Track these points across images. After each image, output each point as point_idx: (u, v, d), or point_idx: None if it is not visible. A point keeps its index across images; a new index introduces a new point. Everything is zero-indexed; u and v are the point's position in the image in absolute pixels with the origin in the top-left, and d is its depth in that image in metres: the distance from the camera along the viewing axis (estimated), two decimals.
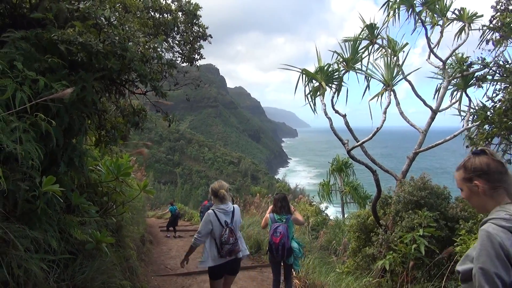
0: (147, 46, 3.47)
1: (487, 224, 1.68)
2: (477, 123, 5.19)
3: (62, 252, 2.92)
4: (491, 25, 6.01)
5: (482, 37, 6.45)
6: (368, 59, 7.51)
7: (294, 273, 6.73)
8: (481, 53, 5.97)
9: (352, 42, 7.12)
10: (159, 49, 3.71)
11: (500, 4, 5.77)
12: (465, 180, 1.86)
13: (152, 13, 4.78)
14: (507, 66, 5.37)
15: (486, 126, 4.88)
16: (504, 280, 1.54)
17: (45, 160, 2.68)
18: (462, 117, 7.20)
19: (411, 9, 7.08)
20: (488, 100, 4.97)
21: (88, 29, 2.93)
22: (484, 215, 1.81)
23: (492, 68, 5.75)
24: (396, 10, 7.14)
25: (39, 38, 2.79)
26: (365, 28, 7.37)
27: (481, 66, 6.04)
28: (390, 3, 7.24)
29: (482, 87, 6.43)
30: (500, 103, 4.71)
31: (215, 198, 4.27)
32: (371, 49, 7.55)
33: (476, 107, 6.15)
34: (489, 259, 1.58)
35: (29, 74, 2.50)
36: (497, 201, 1.76)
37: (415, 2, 7.03)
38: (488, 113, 4.91)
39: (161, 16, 4.84)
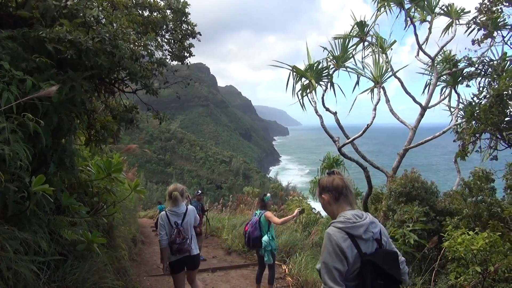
0: (137, 44, 3.45)
1: (329, 227, 2.19)
2: (465, 119, 5.27)
3: (53, 253, 2.90)
4: (479, 21, 6.09)
5: (466, 32, 6.54)
6: (362, 55, 7.56)
7: (286, 270, 6.78)
8: (469, 51, 6.05)
9: (342, 40, 7.16)
10: (149, 46, 3.69)
11: (484, 5, 5.86)
12: (318, 195, 2.43)
13: (141, 11, 4.75)
14: (492, 63, 5.46)
15: (473, 122, 4.94)
16: (340, 270, 2.02)
17: (34, 160, 2.65)
18: (451, 113, 7.31)
19: (400, 6, 7.13)
20: (474, 97, 5.04)
21: (76, 27, 2.89)
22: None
23: (479, 67, 5.84)
24: (386, 7, 7.19)
25: (26, 37, 2.75)
26: (355, 26, 7.41)
27: (467, 64, 6.13)
28: (380, 0, 7.29)
29: (470, 86, 6.54)
30: (485, 99, 4.78)
31: (168, 200, 4.70)
32: (361, 47, 7.60)
33: (465, 102, 6.24)
34: (328, 255, 2.06)
35: (16, 74, 2.46)
36: (340, 209, 2.27)
37: None
38: (475, 109, 4.97)
39: (150, 14, 4.81)
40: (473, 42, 6.13)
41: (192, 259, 4.67)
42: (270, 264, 5.61)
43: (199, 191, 9.46)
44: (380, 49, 7.28)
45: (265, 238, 5.48)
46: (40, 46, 2.74)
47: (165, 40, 5.04)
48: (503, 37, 5.97)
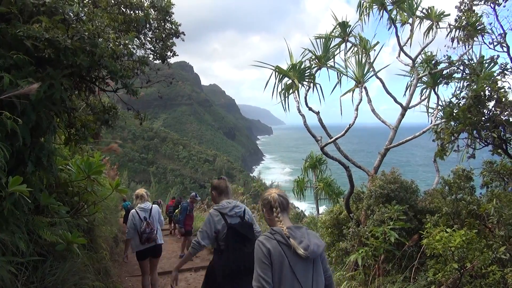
0: (117, 43, 3.40)
1: (211, 209, 3.62)
2: (444, 119, 5.38)
3: (31, 254, 2.85)
4: (458, 24, 6.24)
5: (448, 35, 6.69)
6: (344, 55, 7.64)
7: None
8: (447, 51, 6.19)
9: (324, 40, 7.22)
10: (130, 46, 3.63)
11: (464, 4, 6.00)
12: (210, 190, 3.85)
13: (124, 9, 4.67)
14: (472, 64, 5.59)
15: (452, 122, 5.06)
16: (208, 232, 3.45)
17: (12, 159, 2.59)
18: (430, 114, 7.46)
19: (382, 8, 7.24)
20: (452, 97, 5.17)
21: (55, 24, 2.83)
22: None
23: (460, 67, 5.98)
24: (367, 9, 7.29)
25: (3, 33, 2.68)
26: (337, 26, 7.48)
27: (448, 64, 6.27)
28: (363, 2, 7.38)
29: (449, 85, 6.69)
30: (464, 100, 4.89)
31: (136, 198, 5.69)
32: (343, 47, 7.68)
33: (444, 103, 6.37)
34: (206, 225, 3.49)
35: None
36: (220, 199, 3.70)
37: (385, 0, 7.20)
38: (454, 110, 5.09)
39: (132, 12, 4.73)
40: (452, 40, 6.29)
41: (157, 248, 5.59)
42: None
43: (196, 194, 9.95)
44: (363, 50, 7.37)
45: None
46: (18, 42, 2.67)
47: (148, 38, 4.97)
48: (482, 36, 6.11)
